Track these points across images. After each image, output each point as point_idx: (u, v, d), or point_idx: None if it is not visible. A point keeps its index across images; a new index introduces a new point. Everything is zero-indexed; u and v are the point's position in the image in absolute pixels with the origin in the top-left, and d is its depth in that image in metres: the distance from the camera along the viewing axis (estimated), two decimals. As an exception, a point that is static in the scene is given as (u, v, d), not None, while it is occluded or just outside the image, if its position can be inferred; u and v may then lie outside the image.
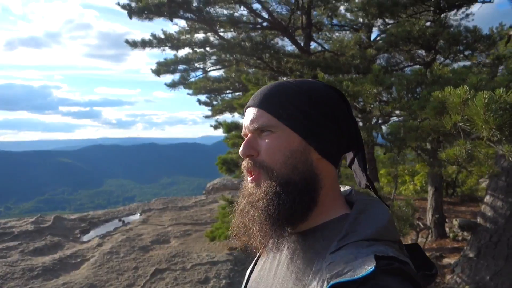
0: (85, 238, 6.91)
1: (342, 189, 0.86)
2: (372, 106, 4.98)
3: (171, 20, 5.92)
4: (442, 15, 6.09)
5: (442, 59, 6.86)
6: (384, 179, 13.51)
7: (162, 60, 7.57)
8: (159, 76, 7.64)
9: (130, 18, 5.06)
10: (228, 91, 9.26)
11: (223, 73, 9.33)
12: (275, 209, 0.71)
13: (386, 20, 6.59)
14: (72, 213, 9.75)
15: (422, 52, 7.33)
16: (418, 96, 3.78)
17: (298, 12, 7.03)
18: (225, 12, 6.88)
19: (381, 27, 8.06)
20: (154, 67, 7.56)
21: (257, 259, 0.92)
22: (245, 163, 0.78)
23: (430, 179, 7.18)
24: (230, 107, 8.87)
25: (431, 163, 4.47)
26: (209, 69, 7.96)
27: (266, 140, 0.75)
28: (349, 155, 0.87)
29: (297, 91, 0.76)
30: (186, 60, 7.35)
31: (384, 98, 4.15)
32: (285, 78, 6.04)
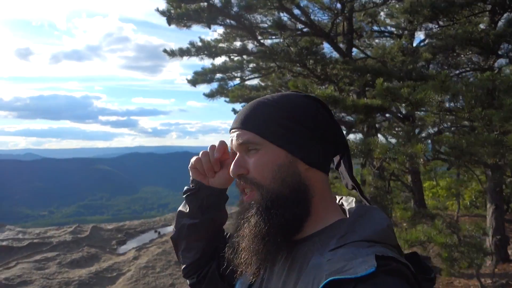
0: (121, 249, 6.82)
1: (347, 201, 0.87)
2: (425, 114, 4.51)
3: (209, 27, 5.76)
4: (505, 15, 5.52)
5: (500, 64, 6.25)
6: (428, 192, 12.66)
7: (197, 70, 7.44)
8: (195, 86, 7.51)
9: (169, 24, 4.93)
10: (265, 100, 9.02)
11: (259, 82, 9.10)
12: (265, 224, 0.73)
13: (439, 22, 6.08)
14: (109, 222, 9.79)
15: (476, 57, 6.74)
16: (487, 105, 3.31)
17: (339, 18, 6.69)
18: (264, 19, 6.66)
19: (426, 31, 7.60)
20: (189, 77, 7.44)
21: (251, 277, 0.86)
22: (238, 182, 0.81)
23: (489, 196, 6.51)
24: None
25: (499, 179, 3.95)
26: (246, 78, 7.75)
27: (253, 158, 0.77)
28: (336, 158, 0.87)
29: (276, 107, 0.78)
30: (224, 68, 7.18)
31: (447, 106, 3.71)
32: (328, 85, 5.68)
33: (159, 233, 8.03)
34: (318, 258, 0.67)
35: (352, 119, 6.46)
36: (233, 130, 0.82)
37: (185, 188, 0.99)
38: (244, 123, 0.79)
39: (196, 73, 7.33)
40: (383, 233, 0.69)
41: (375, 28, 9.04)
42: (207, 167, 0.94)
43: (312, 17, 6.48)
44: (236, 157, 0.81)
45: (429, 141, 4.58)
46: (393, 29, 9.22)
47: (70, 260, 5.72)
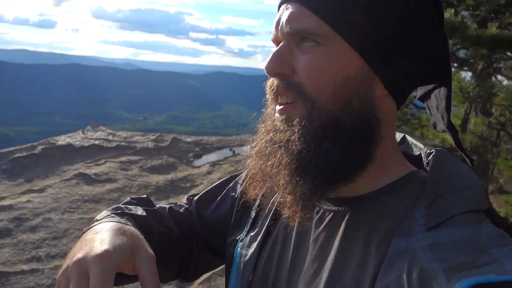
0: (196, 162, 7.11)
1: (402, 142, 0.65)
2: None
3: None
4: None
5: None
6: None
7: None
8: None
9: None
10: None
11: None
12: (311, 158, 0.50)
13: None
14: (194, 134, 10.29)
15: None
16: None
17: None
18: None
19: None
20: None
21: (265, 231, 0.63)
22: (273, 83, 0.54)
23: None
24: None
25: None
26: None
27: (309, 55, 0.50)
28: (422, 88, 0.59)
29: None
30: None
31: None
32: (447, 9, 4.61)
33: (233, 151, 8.19)
34: (404, 240, 0.46)
35: (463, 55, 5.36)
36: (287, 5, 0.52)
37: None
38: None
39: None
40: (480, 197, 0.48)
41: None
42: None
43: None
44: (280, 45, 0.53)
45: None
46: None
47: (150, 166, 6.11)
